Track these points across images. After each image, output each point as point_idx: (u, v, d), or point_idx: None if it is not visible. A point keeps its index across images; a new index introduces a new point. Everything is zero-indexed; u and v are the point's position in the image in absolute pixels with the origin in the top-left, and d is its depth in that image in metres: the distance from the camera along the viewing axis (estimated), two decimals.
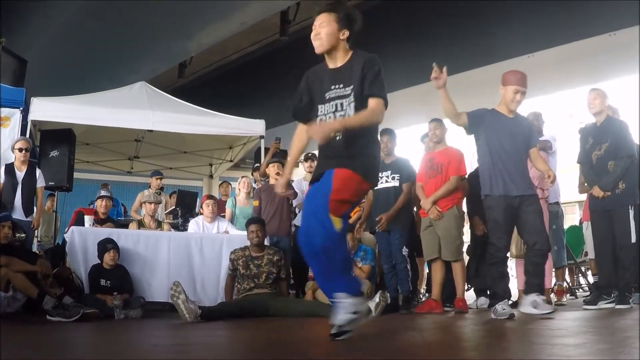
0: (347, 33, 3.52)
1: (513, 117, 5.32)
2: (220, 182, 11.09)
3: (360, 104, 3.40)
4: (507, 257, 5.24)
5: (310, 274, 7.93)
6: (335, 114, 3.46)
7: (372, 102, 3.40)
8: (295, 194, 7.41)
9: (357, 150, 3.41)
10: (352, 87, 3.45)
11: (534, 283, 5.06)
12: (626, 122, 6.13)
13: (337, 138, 3.41)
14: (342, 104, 3.46)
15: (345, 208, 3.40)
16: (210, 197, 8.13)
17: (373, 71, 3.44)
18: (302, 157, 8.53)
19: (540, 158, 5.41)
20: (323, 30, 3.48)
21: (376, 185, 3.97)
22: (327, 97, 3.51)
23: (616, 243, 5.70)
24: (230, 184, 10.29)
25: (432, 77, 4.91)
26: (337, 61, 3.57)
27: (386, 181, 6.54)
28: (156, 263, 6.76)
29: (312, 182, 3.58)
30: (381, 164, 6.63)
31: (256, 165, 9.53)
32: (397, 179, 6.51)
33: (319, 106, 3.54)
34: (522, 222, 5.08)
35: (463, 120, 5.34)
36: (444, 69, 4.90)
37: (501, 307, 4.89)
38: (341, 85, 3.48)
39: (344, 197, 3.33)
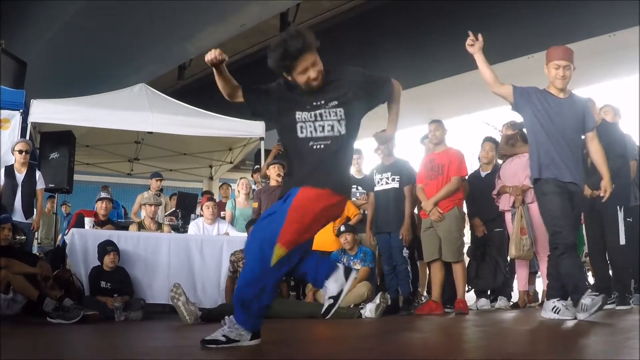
0: None
1: (565, 98, 4.81)
2: (220, 183, 11.08)
3: (350, 113, 3.38)
4: (576, 244, 4.71)
5: None
6: (315, 123, 3.35)
7: (391, 85, 3.67)
8: None
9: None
10: (335, 102, 3.36)
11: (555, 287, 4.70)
12: (618, 124, 6.16)
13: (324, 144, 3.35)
14: (321, 114, 3.35)
15: (299, 236, 3.24)
16: (210, 199, 8.13)
17: (370, 76, 3.57)
18: None
19: (597, 146, 4.91)
20: (318, 68, 3.31)
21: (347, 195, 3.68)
22: (308, 107, 3.38)
23: (606, 244, 5.71)
24: (231, 186, 10.28)
25: (467, 44, 4.85)
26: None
27: (386, 182, 6.54)
28: (156, 265, 6.76)
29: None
30: (380, 165, 6.69)
31: (256, 167, 9.53)
32: (397, 180, 6.51)
33: (297, 113, 3.39)
34: None
35: (506, 90, 5.02)
36: (479, 35, 4.82)
37: (589, 299, 4.34)
38: (322, 102, 3.37)
39: (296, 226, 3.20)
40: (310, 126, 3.36)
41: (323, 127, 3.34)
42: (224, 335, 3.30)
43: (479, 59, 4.89)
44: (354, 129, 3.42)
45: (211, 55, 3.50)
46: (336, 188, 3.30)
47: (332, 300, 3.39)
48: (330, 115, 3.35)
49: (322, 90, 3.39)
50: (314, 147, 3.32)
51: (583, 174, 4.77)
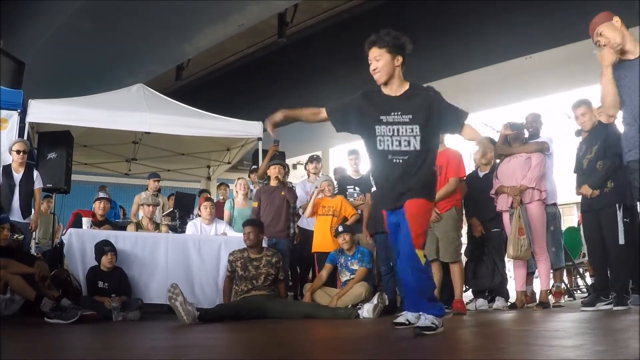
0: (400, 59, 3.86)
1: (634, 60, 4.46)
2: (217, 183, 11.08)
3: (425, 133, 3.79)
4: None
5: (309, 275, 7.96)
6: (392, 138, 3.80)
7: (466, 126, 3.93)
8: (295, 197, 7.42)
9: (425, 181, 3.85)
10: (410, 116, 3.79)
11: None
12: (614, 123, 6.16)
13: (405, 159, 3.82)
14: (398, 130, 3.80)
15: (425, 237, 3.88)
16: (208, 199, 8.13)
17: (445, 103, 3.90)
18: (306, 159, 8.58)
19: None
20: (379, 63, 3.82)
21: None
22: (385, 121, 3.82)
23: (605, 244, 5.71)
24: (229, 186, 10.28)
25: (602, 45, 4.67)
26: (393, 88, 3.90)
27: None
28: (154, 265, 6.75)
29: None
30: None
31: (253, 167, 9.54)
32: None
33: (376, 127, 3.84)
34: None
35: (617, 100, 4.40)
36: None
37: None
38: (399, 113, 3.81)
39: (421, 230, 3.77)
40: (388, 140, 3.83)
41: (400, 142, 3.80)
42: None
43: (608, 77, 4.46)
44: (430, 144, 3.87)
45: (277, 118, 3.94)
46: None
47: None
48: (406, 132, 3.79)
49: (399, 101, 3.85)
50: (394, 160, 3.81)
51: None
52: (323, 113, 3.96)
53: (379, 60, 3.81)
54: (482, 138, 3.95)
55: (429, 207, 3.87)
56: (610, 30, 4.46)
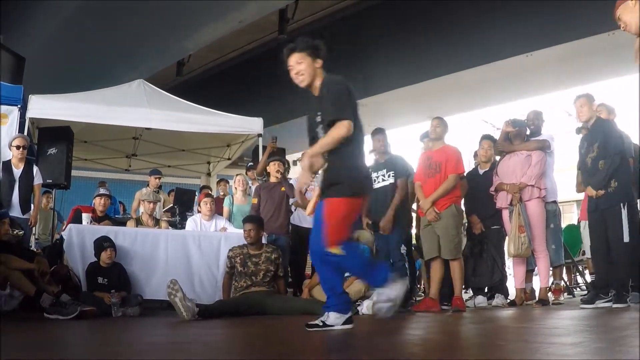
0: (320, 62, 3.99)
1: None
2: (217, 179, 11.08)
3: (328, 128, 3.84)
4: None
5: (308, 272, 7.96)
6: (321, 130, 3.94)
7: (335, 125, 3.79)
8: (294, 193, 7.42)
9: (342, 175, 3.84)
10: (319, 114, 3.94)
11: None
12: (614, 121, 6.15)
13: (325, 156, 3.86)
14: (320, 130, 3.93)
15: (344, 234, 3.86)
16: (208, 195, 8.13)
17: (328, 96, 3.86)
18: (300, 156, 8.54)
19: None
20: (302, 66, 3.95)
21: (370, 192, 4.27)
22: (316, 121, 3.97)
23: (609, 242, 5.70)
24: (228, 182, 10.28)
25: None
26: (316, 90, 4.01)
27: (382, 180, 6.56)
28: (154, 261, 6.75)
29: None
30: (375, 163, 6.71)
31: (249, 164, 9.54)
32: (393, 176, 6.54)
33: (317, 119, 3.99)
34: None
35: None
36: None
37: None
38: (318, 113, 3.96)
39: (338, 225, 3.82)
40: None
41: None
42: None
43: None
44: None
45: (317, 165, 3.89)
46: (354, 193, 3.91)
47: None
48: (321, 131, 3.91)
49: (317, 100, 3.98)
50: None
51: None
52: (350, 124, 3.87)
53: (301, 64, 3.95)
54: (311, 153, 3.80)
55: (340, 204, 3.83)
56: (626, 14, 4.35)
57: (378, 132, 6.81)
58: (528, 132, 6.82)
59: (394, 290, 3.78)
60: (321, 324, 3.87)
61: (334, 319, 3.88)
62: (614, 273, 5.69)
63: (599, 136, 5.82)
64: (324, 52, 4.00)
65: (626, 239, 5.53)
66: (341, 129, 3.75)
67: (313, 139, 3.95)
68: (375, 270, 3.96)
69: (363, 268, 4.04)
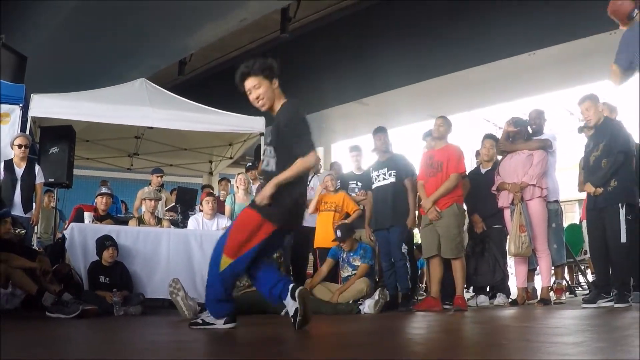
0: (276, 82, 3.91)
1: None
2: (219, 179, 11.08)
3: (279, 153, 3.87)
4: None
5: (309, 271, 7.97)
6: (265, 158, 4.04)
7: (303, 159, 3.74)
8: None
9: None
10: (270, 138, 3.99)
11: None
12: (621, 121, 6.13)
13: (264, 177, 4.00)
14: (265, 151, 4.04)
15: (241, 249, 3.85)
16: (210, 194, 8.13)
17: (287, 129, 3.82)
18: None
19: None
20: (260, 90, 3.87)
21: (293, 229, 4.36)
22: (267, 140, 4.10)
23: (608, 242, 5.69)
24: (230, 181, 10.29)
25: None
26: (275, 111, 3.97)
27: (383, 179, 6.57)
28: (156, 260, 6.76)
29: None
30: (377, 162, 6.73)
31: (248, 165, 9.54)
32: (394, 175, 6.54)
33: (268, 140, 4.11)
34: None
35: None
36: None
37: None
38: (272, 132, 4.00)
39: (239, 240, 3.86)
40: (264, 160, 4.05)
41: (266, 162, 4.00)
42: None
43: None
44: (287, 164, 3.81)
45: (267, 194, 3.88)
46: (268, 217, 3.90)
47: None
48: (269, 153, 3.95)
49: (273, 119, 3.96)
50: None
51: None
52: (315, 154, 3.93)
53: (259, 88, 3.86)
54: (275, 182, 3.81)
55: (253, 217, 3.88)
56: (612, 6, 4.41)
57: (379, 130, 6.81)
58: (530, 132, 6.81)
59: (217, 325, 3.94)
60: (201, 322, 4.02)
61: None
62: (615, 273, 5.69)
63: (606, 136, 5.80)
64: (278, 70, 3.91)
65: (623, 239, 5.51)
66: (308, 161, 3.74)
67: (259, 160, 4.07)
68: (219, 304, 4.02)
69: (216, 293, 4.03)
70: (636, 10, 4.34)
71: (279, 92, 3.92)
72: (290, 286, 3.76)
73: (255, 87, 3.86)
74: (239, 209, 8.10)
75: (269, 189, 3.78)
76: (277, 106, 3.91)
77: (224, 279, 3.92)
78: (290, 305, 3.71)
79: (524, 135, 6.74)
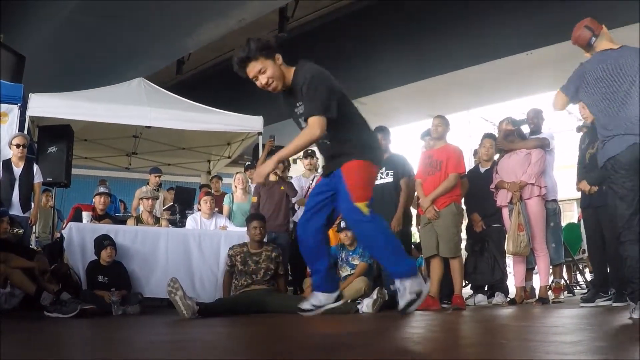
0: (279, 57, 3.59)
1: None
2: (211, 177, 11.09)
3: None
4: None
5: (308, 270, 7.96)
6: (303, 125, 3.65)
7: (308, 122, 3.51)
8: (294, 192, 7.43)
9: (352, 145, 3.62)
10: (299, 103, 3.64)
11: None
12: None
13: (327, 142, 3.68)
14: (301, 121, 3.66)
15: (368, 193, 3.60)
16: (207, 193, 8.14)
17: (306, 89, 3.51)
18: (301, 154, 8.54)
19: None
20: (268, 73, 3.56)
21: (380, 163, 4.07)
22: (297, 113, 3.69)
23: (605, 240, 5.69)
24: (221, 179, 10.32)
25: None
26: (288, 83, 3.66)
27: (381, 177, 6.56)
28: (154, 259, 6.76)
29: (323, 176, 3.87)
30: None
31: (247, 164, 9.55)
32: (392, 175, 6.54)
33: (298, 115, 3.72)
34: None
35: None
36: None
37: None
38: (299, 103, 3.64)
39: (360, 185, 3.55)
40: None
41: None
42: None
43: None
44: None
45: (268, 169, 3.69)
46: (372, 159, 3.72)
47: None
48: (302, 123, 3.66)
49: (291, 94, 3.66)
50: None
51: None
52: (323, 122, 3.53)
53: (265, 71, 3.55)
54: (280, 156, 3.58)
55: (362, 164, 3.60)
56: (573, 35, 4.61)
57: (380, 130, 6.79)
58: (528, 131, 6.82)
59: (416, 284, 3.57)
60: (415, 296, 3.57)
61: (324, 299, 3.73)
62: (612, 273, 5.69)
63: None
64: (276, 42, 3.61)
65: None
66: (313, 130, 3.47)
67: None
68: (401, 255, 3.67)
69: (388, 245, 3.62)
70: (593, 38, 4.53)
71: (285, 65, 3.62)
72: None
73: (261, 72, 3.55)
74: (237, 209, 8.12)
75: (271, 165, 3.58)
76: (290, 78, 3.62)
77: (377, 223, 3.62)
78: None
79: (521, 135, 6.75)
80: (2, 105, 7.90)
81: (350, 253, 6.59)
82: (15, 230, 6.49)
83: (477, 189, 6.88)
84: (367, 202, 3.53)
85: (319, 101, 3.48)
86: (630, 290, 4.18)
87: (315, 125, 3.47)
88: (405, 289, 3.57)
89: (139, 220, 7.43)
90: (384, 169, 6.58)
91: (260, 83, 3.59)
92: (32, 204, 7.31)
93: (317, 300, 3.76)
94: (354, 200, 3.50)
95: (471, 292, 7.35)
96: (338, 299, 3.82)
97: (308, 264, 4.09)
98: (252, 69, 3.56)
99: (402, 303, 3.58)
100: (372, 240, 3.68)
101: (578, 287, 9.64)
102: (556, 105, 4.72)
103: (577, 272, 9.83)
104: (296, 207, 7.68)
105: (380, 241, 3.62)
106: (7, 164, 7.16)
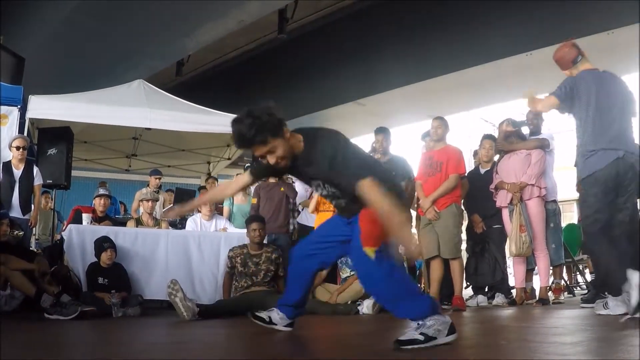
0: (286, 130, 3.24)
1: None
2: (206, 178, 11.08)
3: (331, 183, 3.33)
4: None
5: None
6: (319, 190, 3.43)
7: (363, 190, 3.09)
8: (294, 193, 7.43)
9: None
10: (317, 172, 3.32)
11: None
12: None
13: (342, 201, 3.42)
14: (318, 185, 3.41)
15: (379, 241, 3.17)
16: None
17: (338, 160, 3.16)
18: None
19: None
20: (278, 153, 3.20)
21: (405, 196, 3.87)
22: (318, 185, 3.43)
23: None
24: (217, 180, 10.32)
25: None
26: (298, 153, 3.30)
27: None
28: (154, 261, 6.74)
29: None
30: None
31: (246, 165, 9.54)
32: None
33: (311, 182, 3.48)
34: None
35: None
36: None
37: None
38: (314, 180, 3.42)
39: (375, 233, 3.16)
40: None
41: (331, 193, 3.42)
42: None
43: None
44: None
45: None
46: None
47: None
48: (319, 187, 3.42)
49: (299, 168, 3.37)
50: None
51: None
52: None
53: (274, 152, 3.18)
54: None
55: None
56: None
57: (380, 131, 6.78)
58: (528, 132, 6.82)
59: (439, 323, 3.09)
60: (422, 337, 3.04)
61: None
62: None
63: None
64: (279, 113, 3.23)
65: None
66: (372, 191, 3.06)
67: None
68: (408, 299, 3.18)
69: (390, 290, 3.21)
70: (579, 57, 4.87)
71: (293, 136, 3.27)
72: None
73: (270, 152, 3.19)
74: (237, 210, 8.12)
75: (406, 237, 3.11)
76: (300, 148, 3.27)
77: (383, 269, 3.19)
78: None
79: (521, 136, 6.74)
80: (2, 107, 7.89)
81: None
82: (15, 233, 6.49)
83: (477, 190, 6.87)
84: (375, 248, 3.13)
85: (354, 168, 3.17)
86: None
87: (370, 187, 3.07)
88: (427, 326, 3.07)
89: (139, 222, 7.43)
90: None
91: (271, 162, 3.24)
92: (32, 206, 7.31)
93: (274, 317, 3.78)
94: (362, 245, 3.15)
95: (472, 293, 7.35)
96: (289, 326, 3.77)
97: (288, 281, 3.92)
98: (260, 150, 3.21)
99: (402, 337, 3.06)
100: (372, 283, 3.30)
101: (578, 288, 9.63)
102: (544, 107, 4.91)
103: (577, 273, 9.82)
104: (300, 208, 7.67)
105: (381, 288, 3.24)
106: (7, 166, 7.16)
